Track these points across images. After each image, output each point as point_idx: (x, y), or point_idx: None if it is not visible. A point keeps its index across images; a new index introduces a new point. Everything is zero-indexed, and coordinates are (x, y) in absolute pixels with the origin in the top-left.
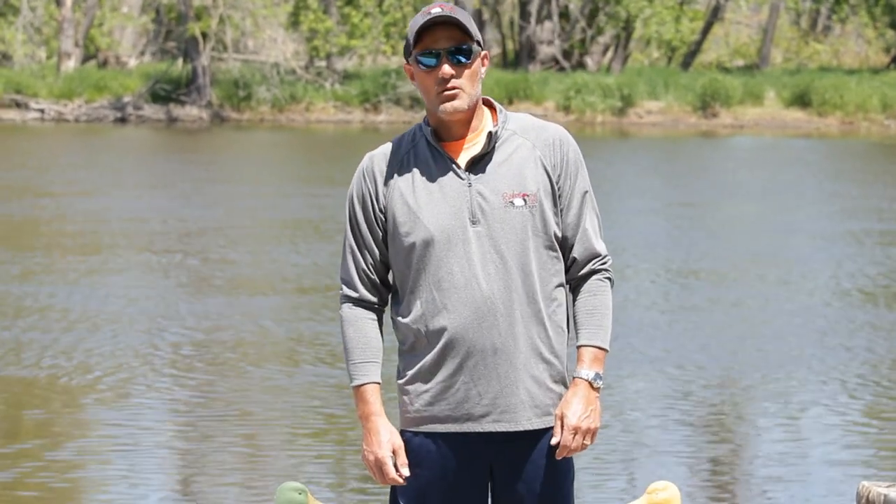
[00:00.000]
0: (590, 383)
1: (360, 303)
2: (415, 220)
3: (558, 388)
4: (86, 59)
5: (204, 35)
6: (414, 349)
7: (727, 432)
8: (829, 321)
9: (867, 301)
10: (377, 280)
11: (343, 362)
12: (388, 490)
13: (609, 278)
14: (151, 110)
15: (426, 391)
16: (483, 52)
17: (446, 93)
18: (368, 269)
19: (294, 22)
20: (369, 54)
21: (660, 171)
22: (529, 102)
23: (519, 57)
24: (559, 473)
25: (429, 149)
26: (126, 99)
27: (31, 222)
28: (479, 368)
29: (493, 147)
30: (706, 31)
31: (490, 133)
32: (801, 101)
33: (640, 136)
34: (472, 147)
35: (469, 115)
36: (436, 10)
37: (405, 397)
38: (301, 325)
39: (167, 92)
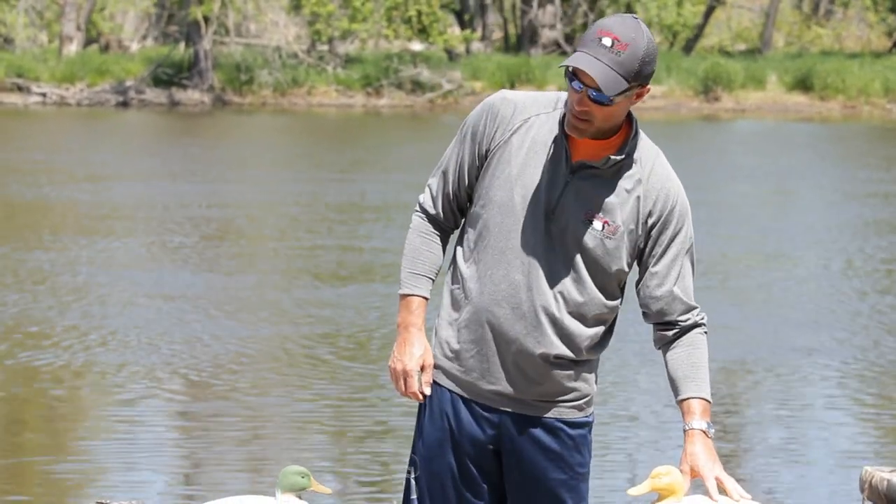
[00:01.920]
0: (704, 433)
1: (433, 220)
2: (505, 184)
3: (573, 385)
4: (88, 42)
5: (206, 19)
6: (455, 294)
7: (729, 418)
8: (833, 306)
9: (872, 286)
10: (456, 207)
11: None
12: (384, 469)
13: (706, 331)
14: (153, 94)
15: (448, 342)
16: (638, 90)
17: (576, 120)
18: (454, 195)
19: (296, 5)
20: (371, 38)
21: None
22: (531, 86)
23: (521, 41)
24: (566, 465)
25: (557, 127)
26: (128, 83)
27: (72, 206)
28: (495, 349)
29: (609, 165)
30: (708, 15)
31: (614, 160)
32: (803, 85)
33: (642, 120)
34: (592, 151)
35: None
36: (605, 44)
37: (434, 336)
38: (324, 312)
39: (169, 76)
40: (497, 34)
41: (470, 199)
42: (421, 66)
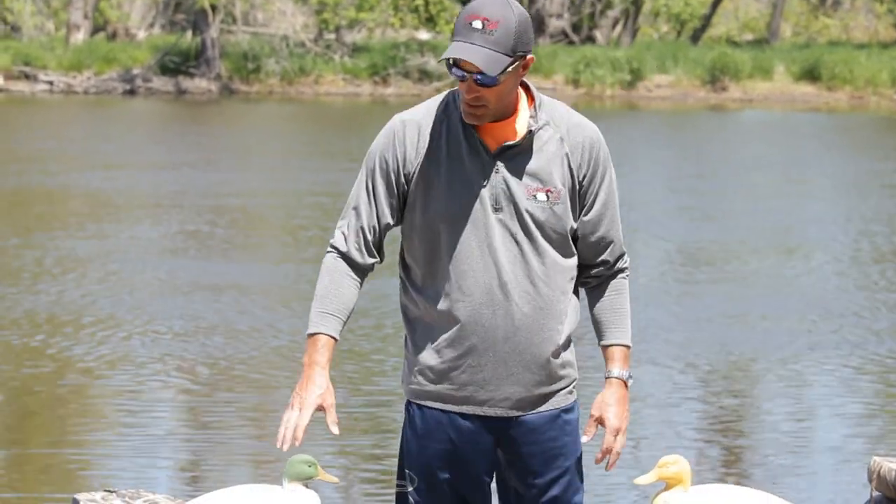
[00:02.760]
0: (624, 382)
1: (346, 258)
2: (439, 197)
3: (565, 373)
4: (95, 31)
5: (213, 7)
6: (423, 321)
7: (736, 408)
8: (841, 297)
9: (881, 278)
10: (371, 244)
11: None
12: (391, 459)
13: (628, 276)
14: (160, 82)
15: (431, 368)
16: (522, 62)
17: (470, 108)
18: (368, 230)
19: None
20: (378, 27)
21: (669, 145)
22: (539, 76)
23: None
24: (569, 452)
25: (462, 126)
26: (135, 71)
27: (87, 194)
28: (489, 355)
29: (526, 138)
30: (715, 4)
31: (531, 130)
32: (811, 75)
33: (649, 109)
34: (504, 132)
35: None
36: (476, 27)
37: (408, 367)
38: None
39: (176, 64)
40: None
41: (385, 233)
42: (428, 54)
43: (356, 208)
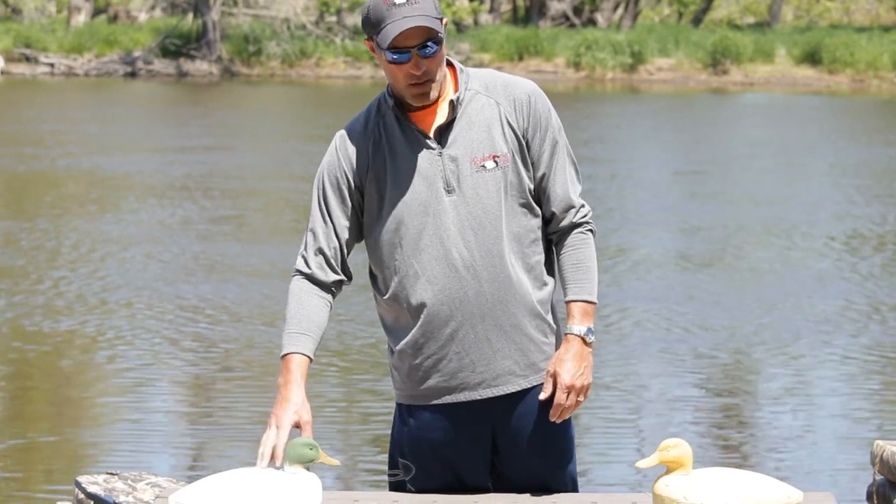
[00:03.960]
0: (582, 339)
1: (311, 279)
2: (391, 195)
3: (550, 340)
4: (96, 13)
5: None
6: (399, 325)
7: (738, 392)
8: (842, 281)
9: (882, 262)
10: (334, 262)
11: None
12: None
13: (591, 230)
14: (161, 65)
15: (417, 366)
16: (444, 22)
17: (418, 88)
18: (328, 249)
19: None
20: None
21: (671, 128)
22: (540, 59)
23: (529, 13)
24: (558, 424)
25: (396, 121)
26: (136, 54)
27: (97, 177)
28: (470, 337)
29: (458, 112)
30: None
31: (452, 101)
32: (812, 58)
33: (650, 92)
34: (438, 115)
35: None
36: (399, 2)
37: (397, 374)
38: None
39: (177, 47)
40: (505, 6)
41: (349, 248)
42: None
43: (312, 230)
